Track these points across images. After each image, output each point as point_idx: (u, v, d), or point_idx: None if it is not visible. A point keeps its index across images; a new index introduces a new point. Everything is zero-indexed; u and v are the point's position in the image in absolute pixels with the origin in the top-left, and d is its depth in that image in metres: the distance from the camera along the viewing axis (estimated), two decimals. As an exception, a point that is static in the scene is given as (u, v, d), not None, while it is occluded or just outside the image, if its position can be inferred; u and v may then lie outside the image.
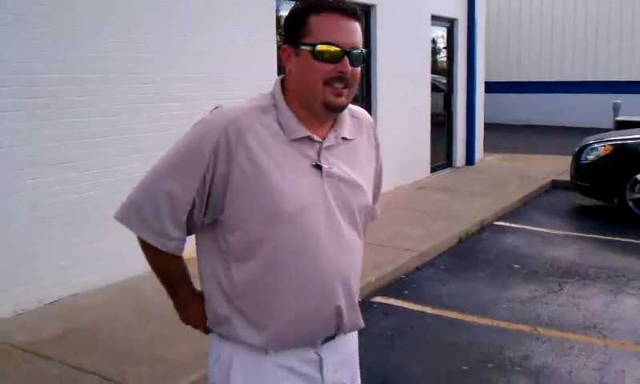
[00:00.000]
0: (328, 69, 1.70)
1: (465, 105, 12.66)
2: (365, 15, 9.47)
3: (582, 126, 17.11)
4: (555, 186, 10.83)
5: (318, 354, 1.89)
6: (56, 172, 5.06)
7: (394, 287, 5.91)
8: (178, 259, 1.88)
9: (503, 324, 5.09)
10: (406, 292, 5.82)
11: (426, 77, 11.20)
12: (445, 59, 12.38)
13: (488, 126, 14.15)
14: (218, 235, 1.79)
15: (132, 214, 1.82)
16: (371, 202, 1.96)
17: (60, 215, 5.11)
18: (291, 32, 1.76)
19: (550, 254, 6.97)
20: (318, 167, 1.77)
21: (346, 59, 1.72)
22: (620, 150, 8.91)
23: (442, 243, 7.12)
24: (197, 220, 1.79)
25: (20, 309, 4.84)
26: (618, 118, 12.43)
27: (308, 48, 1.71)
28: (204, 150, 1.71)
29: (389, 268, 6.06)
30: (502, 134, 17.25)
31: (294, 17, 1.77)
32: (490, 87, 18.52)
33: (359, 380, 2.09)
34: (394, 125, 9.89)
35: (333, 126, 1.83)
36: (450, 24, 12.20)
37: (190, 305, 1.95)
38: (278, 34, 7.23)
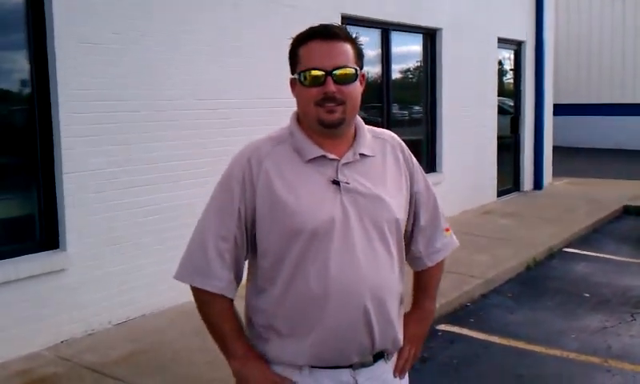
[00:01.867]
0: (314, 92, 1.81)
1: (533, 127, 12.42)
2: (430, 38, 9.46)
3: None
4: (627, 211, 10.48)
5: (354, 378, 1.89)
6: (130, 195, 5.21)
7: (459, 315, 5.82)
8: (230, 312, 1.93)
9: (572, 355, 4.94)
10: (471, 320, 5.72)
11: (493, 99, 11.06)
12: (512, 81, 12.22)
13: (557, 149, 13.83)
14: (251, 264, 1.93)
15: (185, 266, 1.95)
16: (403, 214, 1.95)
17: (131, 237, 5.26)
18: (290, 65, 1.90)
19: (622, 283, 6.74)
20: (337, 183, 1.82)
21: (329, 80, 1.79)
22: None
23: (509, 270, 6.98)
24: (243, 259, 1.91)
25: (90, 329, 4.98)
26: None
27: (299, 77, 1.84)
28: (233, 185, 1.87)
29: (453, 295, 5.97)
30: (572, 158, 16.84)
31: (290, 51, 1.90)
32: (559, 109, 18.17)
33: None
34: (460, 148, 9.81)
35: (352, 144, 1.90)
36: (518, 46, 12.03)
37: (252, 363, 1.92)
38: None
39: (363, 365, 1.90)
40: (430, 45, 9.51)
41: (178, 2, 5.60)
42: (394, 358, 2.02)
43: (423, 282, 2.15)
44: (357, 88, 1.86)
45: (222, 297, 1.89)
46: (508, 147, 11.92)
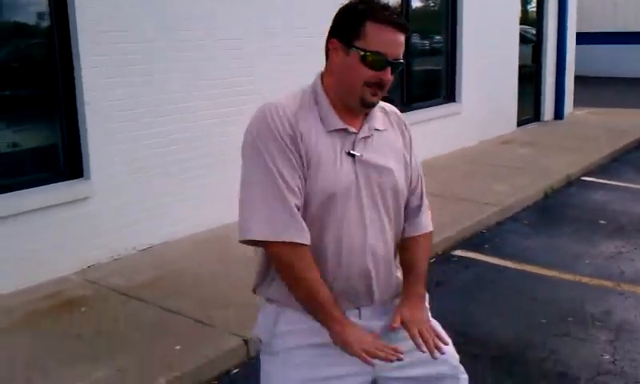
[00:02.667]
0: (371, 74, 1.86)
1: (555, 56, 12.28)
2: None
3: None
4: (649, 140, 10.44)
5: (358, 308, 2.01)
6: (150, 125, 5.31)
7: (475, 241, 5.92)
8: (312, 259, 1.90)
9: (585, 279, 5.04)
10: (486, 246, 5.82)
11: (514, 27, 10.91)
12: (535, 9, 12.00)
13: (579, 79, 13.67)
14: None
15: (262, 222, 1.85)
16: (404, 185, 2.04)
17: (154, 167, 5.38)
18: (345, 30, 1.88)
19: (638, 210, 6.78)
20: (352, 155, 1.91)
21: (389, 69, 1.87)
22: None
23: (526, 198, 7.04)
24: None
25: (116, 254, 5.15)
26: None
27: (359, 52, 1.85)
28: (283, 137, 1.84)
29: (469, 222, 6.07)
30: (595, 87, 16.62)
31: (350, 17, 1.88)
32: (584, 38, 17.83)
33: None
34: (480, 78, 9.75)
35: (365, 118, 1.97)
36: (541, -28, 11.80)
37: (350, 327, 1.91)
38: None
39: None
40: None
41: None
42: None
43: (411, 260, 2.13)
44: None
45: (307, 247, 1.88)
46: (529, 76, 11.81)
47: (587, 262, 5.40)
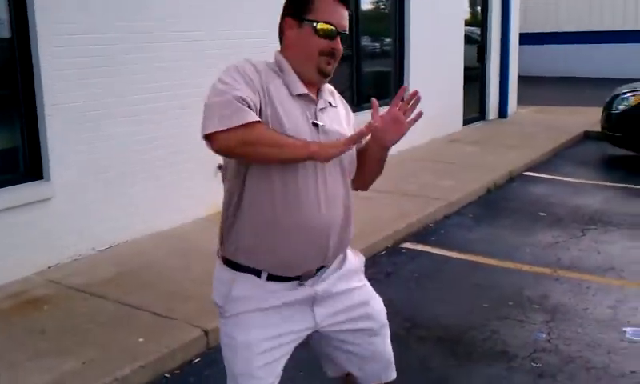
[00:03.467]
0: (324, 43, 2.10)
1: (499, 57, 12.73)
2: (399, -33, 9.62)
3: (619, 77, 16.95)
4: (588, 137, 10.95)
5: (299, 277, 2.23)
6: (110, 126, 5.45)
7: (422, 234, 6.22)
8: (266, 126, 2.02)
9: (525, 267, 5.38)
10: (433, 238, 6.13)
11: (460, 29, 11.31)
12: (480, 11, 12.43)
13: (523, 79, 14.18)
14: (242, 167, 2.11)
15: (217, 117, 1.95)
16: (354, 152, 2.26)
17: (113, 168, 5.52)
18: (296, 7, 2.13)
19: (576, 203, 7.19)
20: (315, 125, 2.13)
21: (339, 38, 2.12)
22: (652, 99, 8.98)
23: (471, 193, 7.38)
24: None
25: (77, 255, 5.28)
26: (654, 68, 12.41)
27: (311, 24, 2.09)
28: (250, 74, 2.04)
29: (417, 216, 6.36)
30: (538, 87, 17.21)
31: None
32: (527, 38, 18.44)
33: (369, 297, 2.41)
34: (427, 78, 10.07)
35: (319, 93, 2.20)
36: (484, -25, 12.23)
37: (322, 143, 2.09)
38: None
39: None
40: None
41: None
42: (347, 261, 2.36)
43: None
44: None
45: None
46: (475, 77, 12.23)
47: (527, 251, 5.75)
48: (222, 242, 2.25)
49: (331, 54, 2.11)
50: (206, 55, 6.14)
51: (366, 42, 9.37)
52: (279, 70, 2.14)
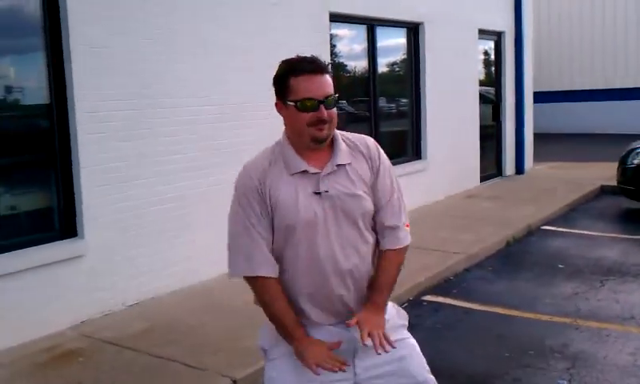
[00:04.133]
0: (308, 116, 2.30)
1: (514, 115, 12.97)
2: (413, 32, 9.95)
3: (634, 132, 17.12)
4: (604, 191, 11.05)
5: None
6: (138, 186, 5.70)
7: (443, 287, 6.34)
8: (283, 294, 2.37)
9: (545, 317, 5.47)
10: (454, 291, 6.24)
11: (474, 89, 11.59)
12: (493, 71, 12.74)
13: (539, 136, 14.39)
14: None
15: (238, 264, 2.39)
16: (372, 206, 2.44)
17: (142, 225, 5.75)
18: (279, 91, 2.36)
19: (594, 255, 7.28)
20: (317, 193, 2.35)
21: (322, 107, 2.30)
22: (665, 153, 9.13)
23: (490, 246, 7.50)
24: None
25: (107, 310, 5.46)
26: (668, 123, 12.57)
27: (292, 104, 2.31)
28: (250, 197, 2.35)
29: (437, 269, 6.49)
30: (553, 143, 17.40)
31: (278, 80, 2.36)
32: (541, 97, 18.73)
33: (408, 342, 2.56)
34: (444, 137, 10.31)
35: (331, 156, 2.39)
36: (498, 37, 12.56)
37: (311, 342, 2.36)
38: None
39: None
40: (413, 38, 10.00)
41: (175, 6, 6.07)
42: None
43: (378, 271, 2.49)
44: (335, 109, 2.38)
45: (275, 279, 2.36)
46: (490, 134, 12.46)
47: (547, 301, 5.84)
48: None
49: (319, 122, 2.30)
50: (221, 119, 6.44)
51: (383, 103, 9.64)
52: (281, 152, 2.39)
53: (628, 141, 10.38)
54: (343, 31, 8.83)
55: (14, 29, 5.22)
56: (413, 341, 2.56)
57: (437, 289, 6.26)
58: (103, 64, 5.45)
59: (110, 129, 5.50)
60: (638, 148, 9.45)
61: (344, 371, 2.31)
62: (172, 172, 6.00)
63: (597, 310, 5.59)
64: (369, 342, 2.31)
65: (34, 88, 5.35)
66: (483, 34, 11.78)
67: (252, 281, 2.37)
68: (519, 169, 12.97)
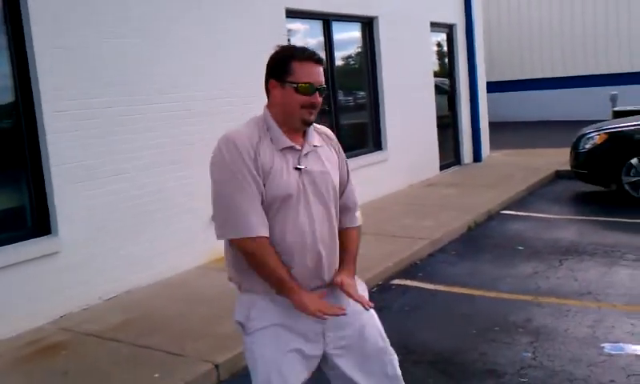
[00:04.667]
0: (304, 99, 2.52)
1: (468, 104, 13.32)
2: (368, 26, 10.18)
3: (584, 118, 17.66)
4: (559, 176, 11.45)
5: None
6: (111, 183, 5.81)
7: (410, 271, 6.59)
8: (275, 251, 2.50)
9: (507, 295, 5.74)
10: (420, 274, 6.49)
11: (429, 80, 11.89)
12: (447, 62, 13.06)
13: (495, 125, 14.77)
14: None
15: (229, 226, 2.48)
16: (337, 183, 2.69)
17: (115, 221, 5.85)
18: (278, 72, 2.53)
19: (551, 236, 7.61)
20: (298, 169, 2.55)
21: (317, 93, 2.54)
22: (614, 137, 9.52)
23: (452, 231, 7.78)
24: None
25: (85, 304, 5.55)
26: (616, 109, 13.07)
27: (292, 85, 2.51)
28: (244, 155, 2.47)
29: (403, 254, 6.74)
30: (508, 132, 17.84)
31: (280, 61, 2.54)
32: (495, 86, 19.18)
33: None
34: (402, 128, 10.57)
35: (304, 138, 2.62)
36: (449, 29, 12.88)
37: (306, 294, 2.52)
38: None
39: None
40: (368, 32, 10.22)
41: (150, 5, 6.17)
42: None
43: (345, 246, 2.74)
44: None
45: (268, 239, 2.49)
46: (447, 124, 12.78)
47: (508, 281, 6.13)
48: (235, 275, 2.63)
49: (312, 106, 2.52)
50: (191, 114, 6.59)
51: (342, 96, 9.85)
52: (266, 128, 2.55)
53: (580, 127, 10.79)
54: (299, 26, 8.98)
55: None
56: (372, 311, 2.74)
57: (403, 273, 6.50)
58: (70, 62, 5.52)
59: (80, 127, 5.58)
60: (588, 133, 9.84)
61: (345, 314, 2.51)
62: (144, 167, 6.11)
63: (556, 287, 5.89)
64: (351, 302, 2.58)
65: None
66: (435, 26, 12.08)
67: (249, 242, 2.46)
68: (477, 156, 13.33)
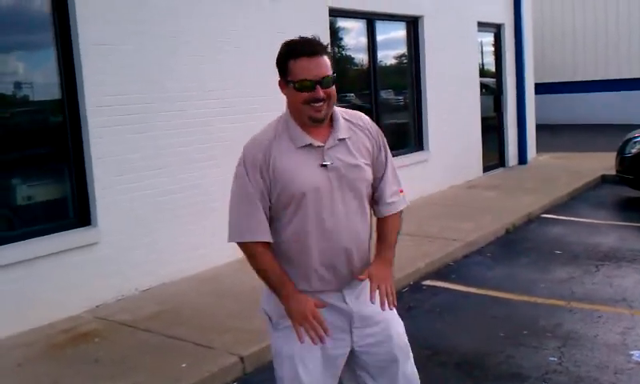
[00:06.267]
0: (305, 96, 2.47)
1: (515, 106, 13.16)
2: (413, 26, 10.16)
3: (633, 122, 17.23)
4: (605, 180, 11.24)
5: (341, 292, 2.63)
6: (149, 177, 5.98)
7: (443, 272, 6.58)
8: (274, 258, 2.55)
9: (540, 300, 5.69)
10: (453, 276, 6.47)
11: (475, 80, 11.78)
12: (493, 62, 12.92)
13: (542, 127, 14.54)
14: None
15: (235, 230, 2.55)
16: (370, 172, 2.64)
17: (152, 213, 6.01)
18: (280, 72, 2.53)
19: (591, 241, 7.49)
20: (324, 165, 2.52)
21: (318, 87, 2.46)
22: (662, 142, 9.32)
23: (490, 234, 7.72)
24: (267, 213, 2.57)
25: (120, 295, 5.72)
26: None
27: (292, 84, 2.48)
28: (254, 169, 2.51)
29: (437, 255, 6.72)
30: (556, 134, 17.56)
31: (279, 61, 2.53)
32: (544, 88, 18.89)
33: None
34: (445, 128, 10.52)
35: (331, 131, 2.58)
36: (497, 29, 12.74)
37: (298, 296, 2.54)
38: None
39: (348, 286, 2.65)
40: (413, 32, 10.20)
41: (178, 6, 6.31)
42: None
43: (383, 234, 2.76)
44: (334, 88, 2.55)
45: (269, 245, 2.54)
46: (493, 125, 12.65)
47: (542, 285, 6.06)
48: None
49: (315, 100, 2.44)
50: (227, 111, 6.69)
51: (384, 95, 9.85)
52: (286, 127, 2.55)
53: (627, 131, 10.57)
54: (343, 25, 9.01)
55: (24, 26, 5.48)
56: (396, 314, 2.75)
57: (436, 274, 6.49)
58: (111, 61, 5.69)
59: (122, 122, 5.75)
60: (635, 137, 9.64)
61: (322, 343, 2.51)
62: (182, 163, 6.25)
63: (590, 293, 5.81)
64: (376, 300, 2.55)
65: (45, 84, 5.61)
66: (482, 26, 11.96)
67: (250, 246, 2.52)
68: (522, 159, 13.16)
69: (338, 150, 2.56)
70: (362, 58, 9.29)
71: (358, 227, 2.61)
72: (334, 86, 2.52)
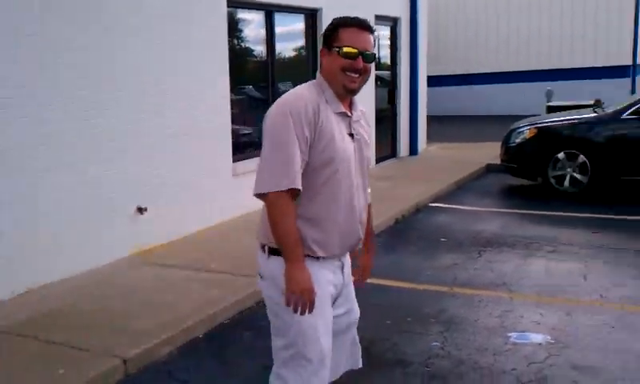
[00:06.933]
0: (345, 62, 2.63)
1: (408, 98, 13.45)
2: (311, 18, 10.16)
3: (523, 113, 18.01)
4: (489, 169, 11.70)
5: (340, 260, 2.88)
6: (32, 175, 5.67)
7: (333, 263, 6.61)
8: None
9: (424, 287, 5.84)
10: (342, 267, 6.52)
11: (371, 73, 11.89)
12: (389, 55, 13.14)
13: (436, 118, 14.97)
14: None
15: (280, 178, 2.52)
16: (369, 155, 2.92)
17: (27, 214, 5.70)
18: (328, 39, 2.69)
19: (475, 228, 7.76)
20: (351, 135, 2.71)
21: (360, 58, 2.63)
22: (543, 132, 9.77)
23: (380, 224, 7.84)
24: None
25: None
26: (549, 104, 13.39)
27: (337, 50, 2.63)
28: (303, 118, 2.55)
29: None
30: (448, 125, 18.13)
31: (330, 30, 2.69)
32: (439, 80, 19.46)
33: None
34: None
35: (351, 106, 2.76)
36: (393, 23, 12.97)
37: (304, 266, 2.61)
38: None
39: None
40: (311, 24, 10.21)
41: None
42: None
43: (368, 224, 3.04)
44: (372, 66, 2.69)
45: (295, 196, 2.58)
46: (386, 117, 12.89)
47: (428, 272, 6.23)
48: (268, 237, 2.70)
49: (353, 70, 2.60)
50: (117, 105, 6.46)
51: (282, 88, 9.75)
52: (321, 90, 2.66)
53: (513, 122, 11.01)
54: (242, 16, 8.88)
55: None
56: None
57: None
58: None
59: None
60: (518, 128, 10.06)
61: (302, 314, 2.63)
62: (63, 158, 5.98)
63: (473, 278, 6.02)
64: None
65: None
66: (380, 19, 12.13)
67: (282, 194, 2.52)
68: (413, 150, 13.49)
69: (360, 124, 2.79)
70: (260, 50, 9.20)
71: (364, 204, 2.84)
72: (372, 65, 2.69)
